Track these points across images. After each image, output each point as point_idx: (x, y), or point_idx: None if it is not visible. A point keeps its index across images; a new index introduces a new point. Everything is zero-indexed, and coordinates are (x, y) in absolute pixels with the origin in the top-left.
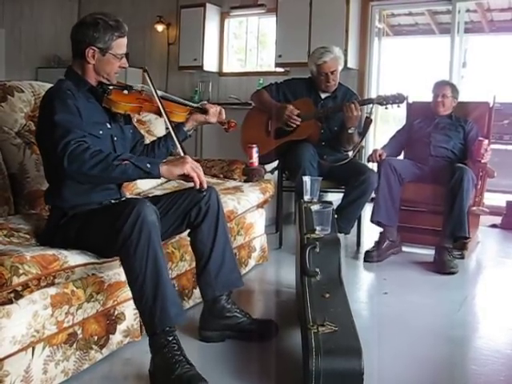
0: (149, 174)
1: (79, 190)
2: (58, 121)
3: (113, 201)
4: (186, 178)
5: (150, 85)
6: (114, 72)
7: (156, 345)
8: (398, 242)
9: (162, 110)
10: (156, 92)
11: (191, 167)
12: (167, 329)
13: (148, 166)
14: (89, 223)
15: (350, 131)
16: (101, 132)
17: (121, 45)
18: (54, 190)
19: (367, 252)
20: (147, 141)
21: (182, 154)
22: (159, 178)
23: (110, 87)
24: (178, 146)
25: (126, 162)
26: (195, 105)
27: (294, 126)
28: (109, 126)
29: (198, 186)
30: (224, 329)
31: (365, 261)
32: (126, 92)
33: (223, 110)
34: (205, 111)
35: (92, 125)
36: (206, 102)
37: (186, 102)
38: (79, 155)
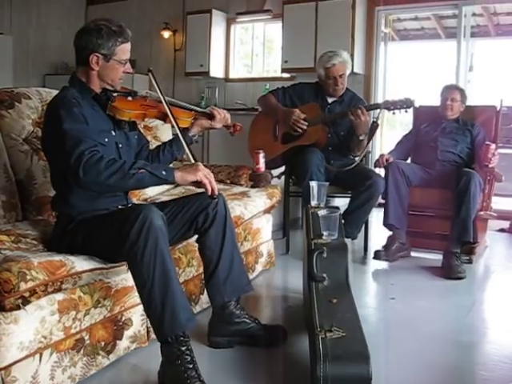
0: (164, 181)
1: (86, 197)
2: (67, 130)
3: (120, 207)
4: (199, 184)
5: (155, 85)
6: (119, 78)
7: (168, 354)
8: (408, 246)
9: (169, 113)
10: (162, 93)
11: (203, 174)
12: (181, 338)
13: (163, 173)
14: (96, 229)
15: (360, 138)
16: (106, 140)
17: (125, 50)
18: (61, 197)
19: (377, 251)
20: (152, 146)
21: (191, 158)
22: (173, 184)
23: (114, 94)
24: (187, 149)
25: (141, 170)
26: (200, 109)
27: (301, 130)
28: (113, 133)
29: (209, 193)
30: (233, 335)
31: (374, 258)
32: (130, 98)
33: (229, 115)
34: (211, 116)
35: (98, 132)
36: (212, 107)
37: (192, 107)
38: (94, 165)
